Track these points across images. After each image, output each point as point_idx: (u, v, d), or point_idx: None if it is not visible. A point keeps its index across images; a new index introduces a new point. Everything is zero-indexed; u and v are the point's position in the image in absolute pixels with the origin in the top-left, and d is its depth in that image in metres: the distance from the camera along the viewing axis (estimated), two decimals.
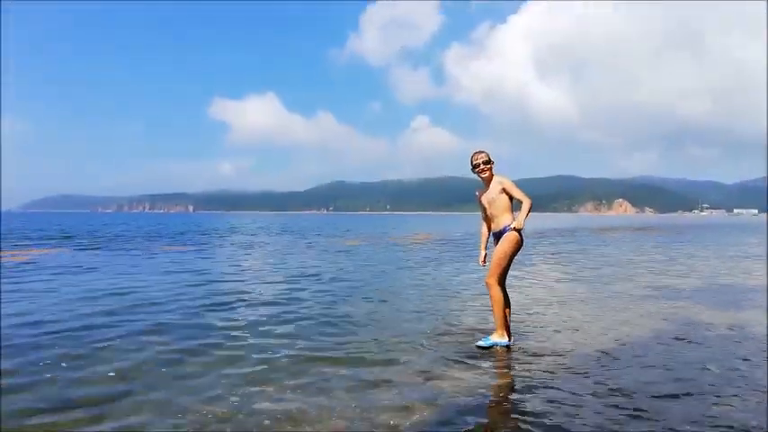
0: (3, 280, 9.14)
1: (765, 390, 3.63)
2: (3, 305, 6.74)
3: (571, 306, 6.92)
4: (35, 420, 3.19)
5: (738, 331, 5.43)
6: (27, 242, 20.53)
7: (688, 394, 3.59)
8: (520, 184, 4.94)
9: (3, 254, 14.58)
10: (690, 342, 5.02)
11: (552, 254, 16.04)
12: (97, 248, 17.65)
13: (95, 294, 7.70)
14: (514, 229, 4.69)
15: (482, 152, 4.89)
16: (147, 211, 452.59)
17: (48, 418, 3.21)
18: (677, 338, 5.15)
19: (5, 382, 3.81)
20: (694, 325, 5.77)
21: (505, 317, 4.87)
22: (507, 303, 4.93)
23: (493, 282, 4.76)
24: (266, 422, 3.15)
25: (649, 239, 25.53)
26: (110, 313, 6.30)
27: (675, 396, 3.56)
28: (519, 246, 4.76)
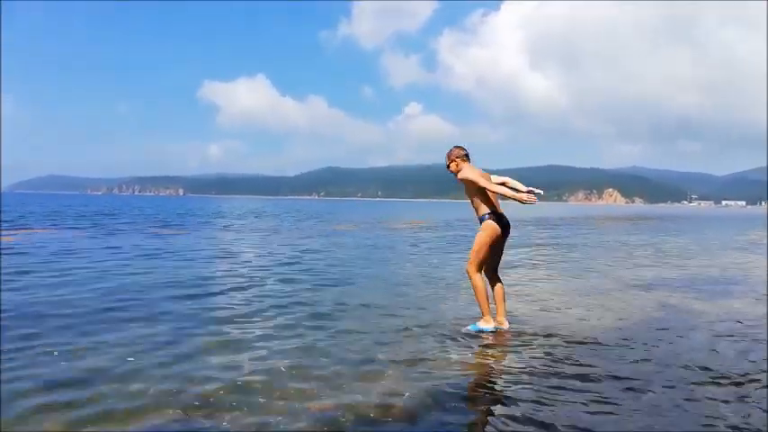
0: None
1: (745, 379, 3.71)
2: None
3: (561, 294, 7.01)
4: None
5: (730, 320, 5.54)
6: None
7: (672, 383, 3.64)
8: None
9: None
10: (679, 331, 5.10)
11: (544, 243, 16.15)
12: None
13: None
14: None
15: (451, 150, 5.08)
16: (137, 193, 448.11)
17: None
18: (667, 327, 5.24)
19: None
20: (685, 314, 5.87)
21: (501, 304, 5.03)
22: (502, 291, 5.07)
23: (472, 270, 4.85)
24: (261, 400, 3.20)
25: (639, 229, 25.78)
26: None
27: (659, 382, 3.61)
28: (496, 234, 4.80)
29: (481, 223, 4.86)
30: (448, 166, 5.07)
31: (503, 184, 5.03)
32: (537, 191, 4.91)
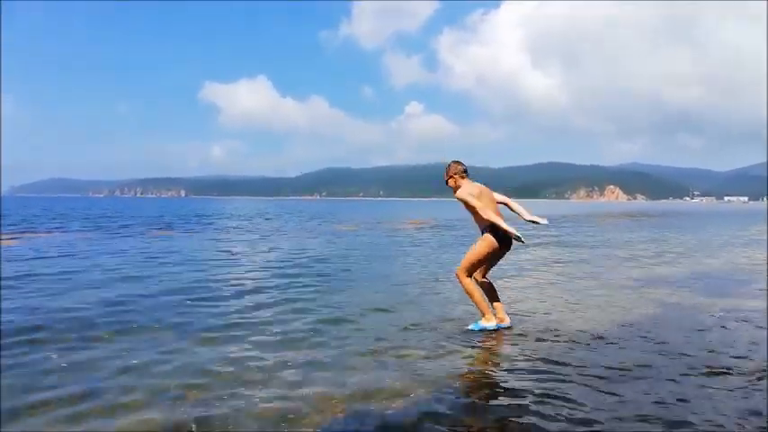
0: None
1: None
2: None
3: (563, 291, 7.03)
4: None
5: (732, 316, 5.56)
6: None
7: (676, 376, 3.66)
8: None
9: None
10: (682, 327, 5.13)
11: (546, 241, 16.16)
12: None
13: None
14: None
15: (449, 166, 5.06)
16: (139, 195, 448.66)
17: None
18: (671, 323, 5.26)
19: None
20: (688, 310, 5.89)
21: (498, 304, 5.03)
22: (494, 292, 5.08)
23: (462, 274, 4.88)
24: (259, 398, 3.21)
25: (641, 226, 25.75)
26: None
27: (657, 378, 3.64)
28: (493, 248, 4.79)
29: (482, 234, 4.87)
30: (447, 182, 5.07)
31: (504, 203, 5.07)
32: (542, 222, 4.92)
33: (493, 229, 4.77)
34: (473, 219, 4.95)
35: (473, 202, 4.74)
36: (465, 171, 5.01)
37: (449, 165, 5.06)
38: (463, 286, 4.91)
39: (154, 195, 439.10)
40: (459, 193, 4.87)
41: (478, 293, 4.90)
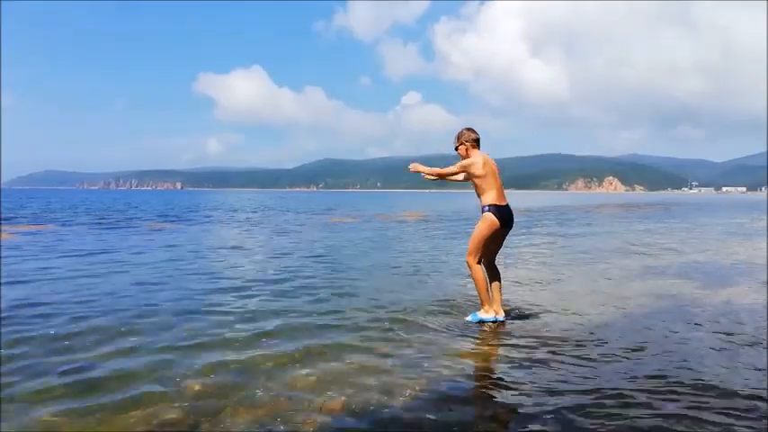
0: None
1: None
2: None
3: (559, 283, 7.00)
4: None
5: (728, 308, 5.53)
6: None
7: (676, 369, 3.64)
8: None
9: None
10: (679, 320, 5.09)
11: (542, 232, 16.14)
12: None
13: None
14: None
15: (461, 132, 5.00)
16: (134, 188, 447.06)
17: None
18: (666, 315, 5.23)
19: None
20: (684, 302, 5.85)
21: (497, 293, 4.98)
22: (498, 280, 5.02)
23: (472, 260, 4.84)
24: (257, 401, 3.17)
25: (638, 216, 25.76)
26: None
27: (658, 370, 3.61)
28: (495, 226, 4.76)
29: (482, 214, 4.83)
30: (456, 149, 4.97)
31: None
32: None
33: (494, 206, 4.75)
34: (476, 194, 4.88)
35: (478, 172, 4.71)
36: (477, 140, 4.91)
37: (461, 131, 4.97)
38: (471, 273, 4.87)
39: (149, 188, 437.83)
40: (469, 161, 4.79)
41: (484, 283, 4.85)
